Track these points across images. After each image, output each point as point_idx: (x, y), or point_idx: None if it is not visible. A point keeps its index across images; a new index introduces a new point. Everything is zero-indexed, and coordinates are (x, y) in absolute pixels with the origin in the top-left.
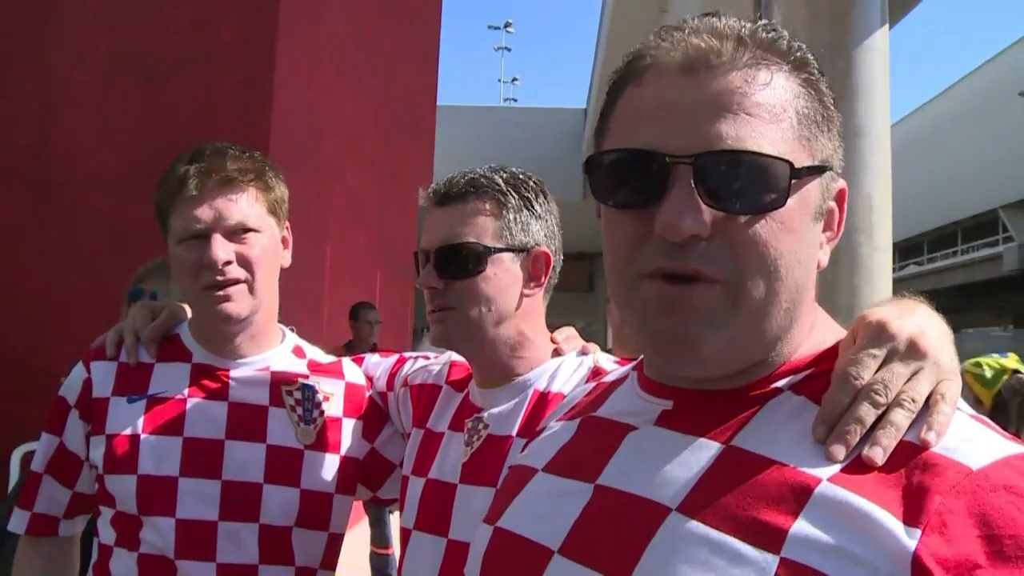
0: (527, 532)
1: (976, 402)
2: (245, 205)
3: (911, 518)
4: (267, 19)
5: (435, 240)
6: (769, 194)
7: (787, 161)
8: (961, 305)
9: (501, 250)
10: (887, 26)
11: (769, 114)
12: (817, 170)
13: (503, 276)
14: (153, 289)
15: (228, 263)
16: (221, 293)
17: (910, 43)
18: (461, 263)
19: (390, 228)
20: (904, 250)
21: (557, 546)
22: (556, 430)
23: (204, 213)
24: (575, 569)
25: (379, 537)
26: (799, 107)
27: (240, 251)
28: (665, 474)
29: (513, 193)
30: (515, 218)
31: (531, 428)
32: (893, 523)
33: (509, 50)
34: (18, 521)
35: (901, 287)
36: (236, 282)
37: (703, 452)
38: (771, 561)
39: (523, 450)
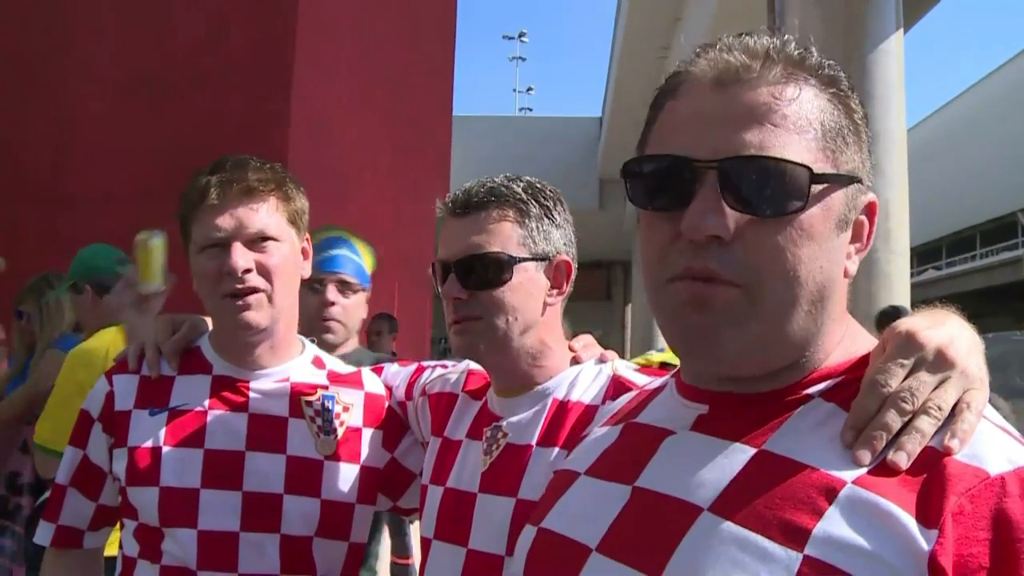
0: (568, 531)
1: None
2: (265, 214)
3: (928, 520)
4: (281, 36)
5: (457, 250)
6: (790, 199)
7: (807, 167)
8: (981, 310)
9: (525, 259)
10: (902, 30)
11: (795, 126)
12: (840, 179)
13: (528, 285)
14: (29, 310)
15: (248, 271)
16: (241, 303)
17: (927, 46)
18: (486, 273)
19: (407, 240)
20: (922, 255)
21: (595, 544)
22: (599, 435)
23: (225, 222)
24: (612, 565)
25: (399, 546)
26: (825, 120)
27: (260, 260)
28: (699, 477)
29: (533, 202)
30: (537, 227)
31: (551, 437)
32: (912, 524)
33: (524, 60)
34: (44, 533)
35: (919, 292)
36: (255, 291)
37: (736, 456)
38: (795, 558)
39: (568, 457)
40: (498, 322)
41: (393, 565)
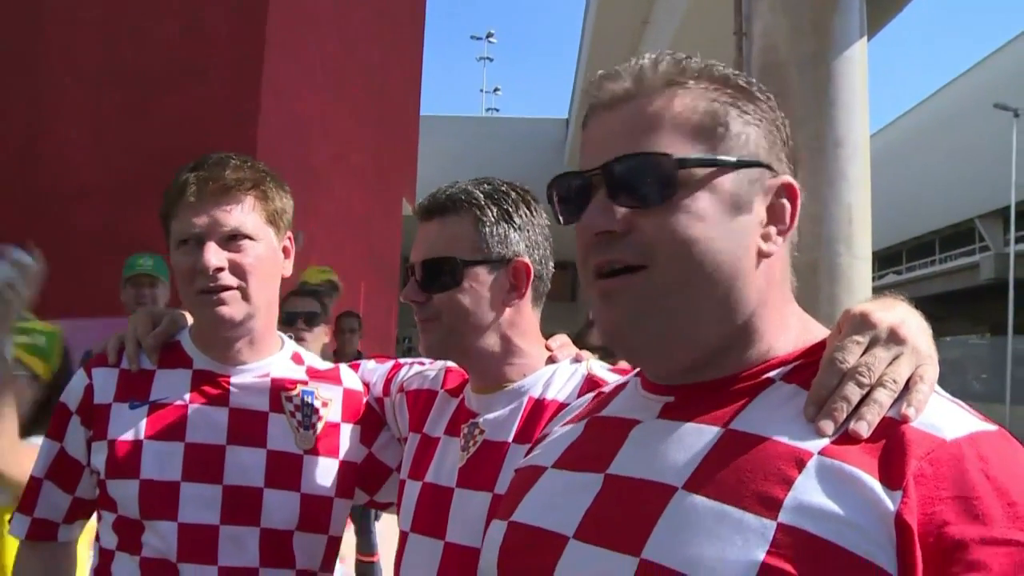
0: (542, 523)
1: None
2: (240, 214)
3: (891, 481)
4: (256, 33)
5: (420, 254)
6: (662, 187)
7: (667, 155)
8: (939, 313)
9: (477, 263)
10: (865, 37)
11: (664, 122)
12: (721, 163)
13: (479, 288)
14: None
15: (220, 269)
16: (216, 297)
17: (888, 55)
18: (440, 277)
19: (375, 238)
20: (883, 259)
21: (572, 532)
22: (561, 434)
23: (200, 220)
24: (591, 550)
25: (364, 544)
26: (700, 110)
27: (233, 259)
28: (670, 458)
29: (491, 206)
30: (491, 231)
31: (527, 434)
32: (877, 486)
33: (491, 60)
34: (18, 525)
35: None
36: (228, 288)
37: (704, 436)
38: (769, 526)
39: (527, 455)
40: (451, 324)
41: (358, 563)
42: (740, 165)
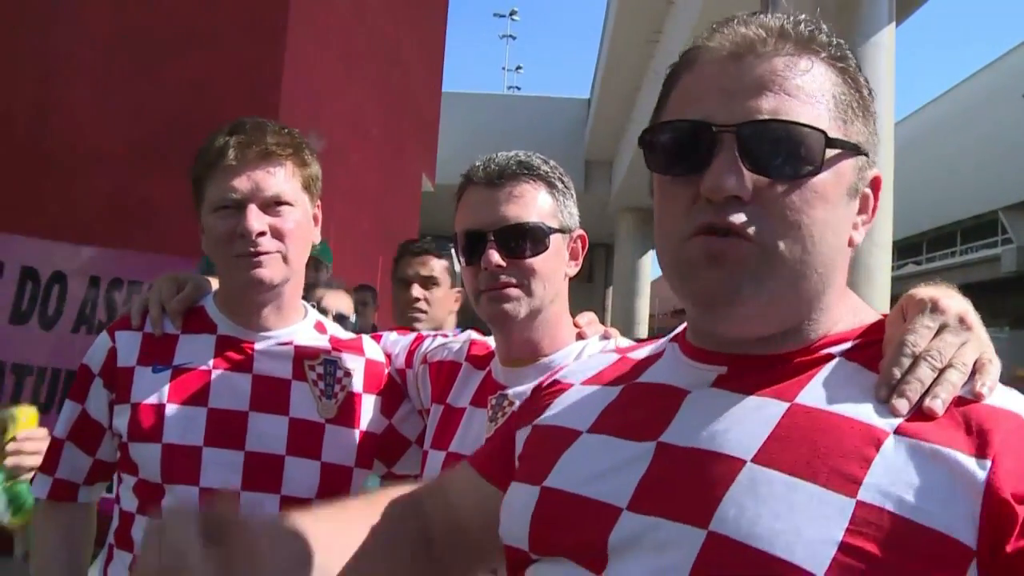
0: (587, 491)
1: None
2: (282, 179)
3: (980, 451)
4: (277, 4)
5: (494, 219)
6: (804, 163)
7: (821, 131)
8: None
9: (556, 230)
10: (894, 23)
11: (807, 96)
12: (851, 148)
13: (558, 256)
14: None
15: (262, 234)
16: (255, 260)
17: (916, 42)
18: (528, 242)
19: (392, 212)
20: (903, 249)
21: (625, 503)
22: (588, 394)
23: (241, 184)
24: (650, 521)
25: None
26: (836, 93)
27: (274, 223)
28: (734, 430)
29: (559, 177)
30: (563, 201)
31: None
32: (963, 457)
33: (514, 38)
34: (40, 486)
35: (899, 286)
36: (268, 252)
37: (768, 409)
38: (848, 504)
39: (538, 412)
40: (536, 289)
41: None
42: (861, 152)
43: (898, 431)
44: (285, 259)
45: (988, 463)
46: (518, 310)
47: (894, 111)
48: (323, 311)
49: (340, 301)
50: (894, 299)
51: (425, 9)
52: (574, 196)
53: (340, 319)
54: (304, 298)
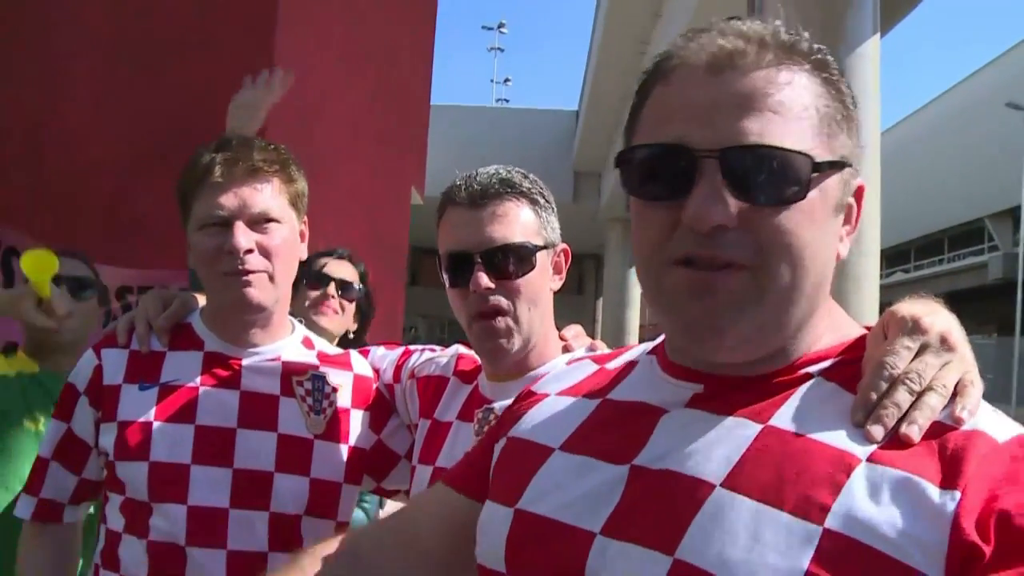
0: (560, 516)
1: None
2: (269, 195)
3: (949, 482)
4: (267, 10)
5: (480, 241)
6: (791, 187)
7: (808, 156)
8: None
9: (541, 247)
10: (879, 34)
11: (791, 112)
12: (837, 165)
13: (544, 273)
14: None
15: (249, 251)
16: (243, 279)
17: (901, 51)
18: (514, 262)
19: (382, 225)
20: (891, 257)
21: (599, 528)
22: (562, 408)
23: (228, 200)
24: (621, 547)
25: None
26: (820, 105)
27: (261, 241)
28: (706, 452)
29: (540, 192)
30: (546, 216)
31: None
32: (932, 488)
33: (502, 51)
34: (24, 506)
35: (887, 294)
36: (255, 271)
37: (742, 431)
38: (815, 532)
39: (511, 424)
40: (523, 311)
41: None
42: (846, 165)
43: (871, 458)
44: (272, 278)
45: (958, 495)
46: (511, 346)
47: (879, 121)
48: (326, 278)
49: (343, 269)
50: (883, 307)
51: (415, 21)
52: (555, 209)
53: (344, 285)
54: (306, 264)
